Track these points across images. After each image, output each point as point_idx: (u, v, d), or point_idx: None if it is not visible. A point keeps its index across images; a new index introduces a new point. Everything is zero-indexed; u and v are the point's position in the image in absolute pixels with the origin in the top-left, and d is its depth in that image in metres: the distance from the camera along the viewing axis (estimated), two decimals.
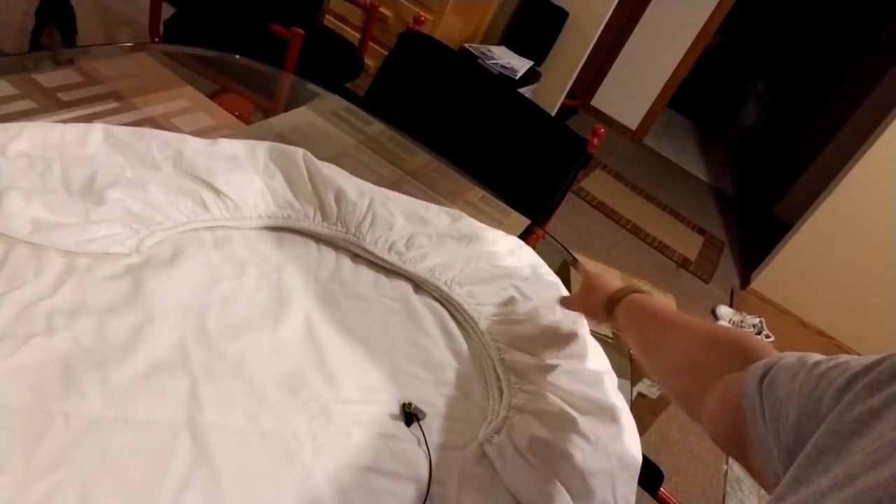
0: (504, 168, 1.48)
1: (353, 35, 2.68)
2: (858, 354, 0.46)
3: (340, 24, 2.83)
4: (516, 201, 1.36)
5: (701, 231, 3.88)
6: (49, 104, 0.96)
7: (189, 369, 0.68)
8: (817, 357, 0.50)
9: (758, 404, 0.51)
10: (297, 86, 1.53)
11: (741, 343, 0.63)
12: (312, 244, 0.96)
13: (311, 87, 1.44)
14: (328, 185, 1.00)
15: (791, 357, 0.52)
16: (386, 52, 2.73)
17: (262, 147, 1.02)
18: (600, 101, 4.55)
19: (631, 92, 4.44)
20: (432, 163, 1.32)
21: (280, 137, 1.12)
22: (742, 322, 3.03)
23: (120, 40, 2.72)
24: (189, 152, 0.94)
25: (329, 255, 0.96)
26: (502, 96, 1.57)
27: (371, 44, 2.60)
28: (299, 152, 1.02)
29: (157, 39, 2.06)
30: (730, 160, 5.39)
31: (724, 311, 3.09)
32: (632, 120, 4.54)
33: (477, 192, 1.30)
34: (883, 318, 3.21)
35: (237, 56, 1.27)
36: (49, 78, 1.00)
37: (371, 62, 2.63)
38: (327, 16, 2.83)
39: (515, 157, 1.53)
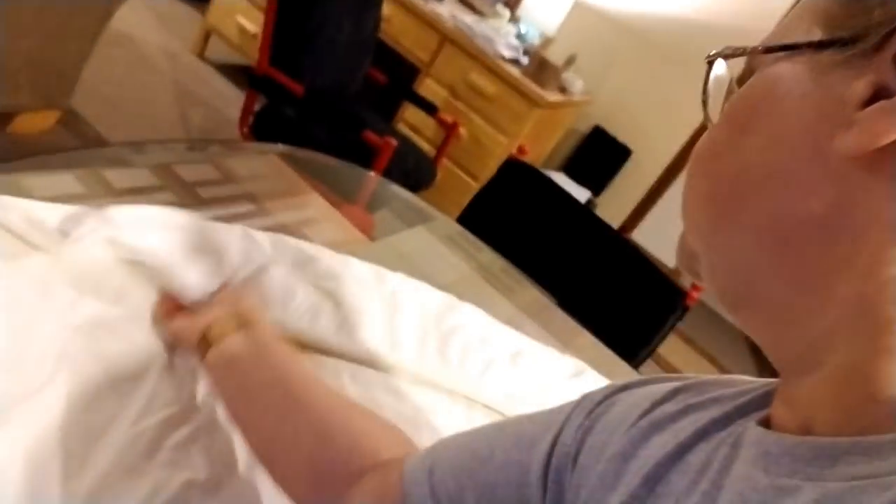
0: (600, 308, 1.42)
1: (424, 146, 2.71)
2: None
3: (412, 134, 2.87)
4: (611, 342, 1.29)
5: None
6: (189, 199, 0.92)
7: None
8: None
9: None
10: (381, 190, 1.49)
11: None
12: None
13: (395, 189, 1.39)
14: None
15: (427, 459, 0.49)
16: (456, 167, 2.78)
17: (391, 278, 0.98)
18: (640, 235, 4.56)
19: (673, 233, 4.45)
20: (542, 300, 1.26)
21: (402, 258, 1.07)
22: None
23: (196, 125, 2.75)
24: (321, 264, 0.89)
25: None
26: (603, 237, 1.54)
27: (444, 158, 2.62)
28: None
29: (245, 130, 2.07)
30: None
31: None
32: (669, 260, 4.54)
33: (587, 337, 1.23)
34: None
35: (371, 173, 1.24)
36: (189, 171, 0.97)
37: (441, 175, 2.65)
38: (400, 123, 2.87)
39: (611, 299, 1.48)
